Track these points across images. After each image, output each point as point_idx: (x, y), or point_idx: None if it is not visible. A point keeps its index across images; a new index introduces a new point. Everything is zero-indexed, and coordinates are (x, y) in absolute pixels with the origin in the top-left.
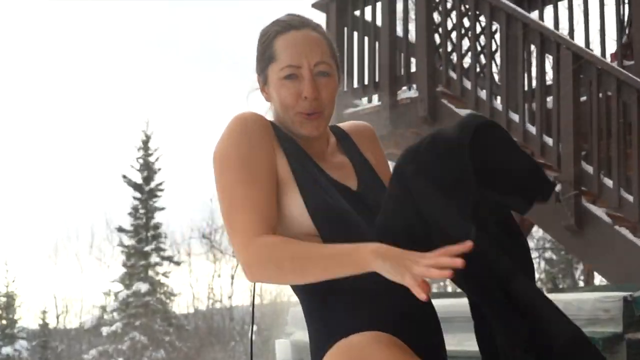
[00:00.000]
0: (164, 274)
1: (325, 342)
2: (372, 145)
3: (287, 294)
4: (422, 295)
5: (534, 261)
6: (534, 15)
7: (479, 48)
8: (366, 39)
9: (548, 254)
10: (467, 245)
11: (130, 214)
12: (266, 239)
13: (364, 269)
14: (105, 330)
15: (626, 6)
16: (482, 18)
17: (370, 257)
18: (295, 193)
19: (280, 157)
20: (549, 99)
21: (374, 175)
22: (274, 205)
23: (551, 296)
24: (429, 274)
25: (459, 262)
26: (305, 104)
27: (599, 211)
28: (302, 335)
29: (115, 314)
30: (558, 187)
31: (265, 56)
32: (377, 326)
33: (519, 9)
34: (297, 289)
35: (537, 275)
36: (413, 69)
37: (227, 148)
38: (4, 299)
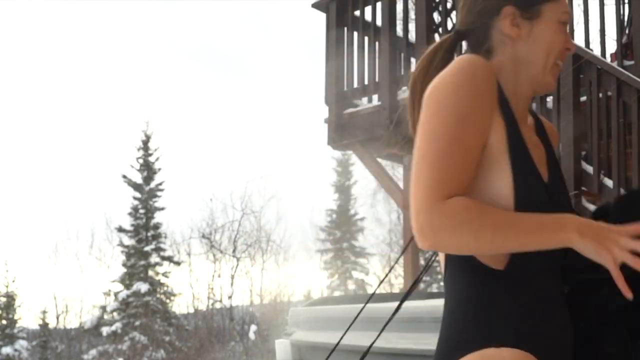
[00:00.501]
0: (164, 274)
1: (468, 343)
2: (555, 144)
3: (287, 294)
4: (628, 294)
5: None
6: None
7: None
8: (366, 39)
9: None
10: None
11: (130, 214)
12: (459, 202)
13: (564, 245)
14: (105, 330)
15: (626, 6)
16: None
17: (574, 235)
18: (504, 167)
19: (498, 119)
20: (549, 98)
21: (559, 171)
22: (473, 171)
23: None
24: (632, 263)
25: None
26: (564, 56)
27: None
28: (301, 335)
29: (115, 314)
30: None
31: None
32: (528, 346)
33: None
34: (471, 266)
35: None
36: (413, 69)
37: (447, 92)
38: (4, 299)
